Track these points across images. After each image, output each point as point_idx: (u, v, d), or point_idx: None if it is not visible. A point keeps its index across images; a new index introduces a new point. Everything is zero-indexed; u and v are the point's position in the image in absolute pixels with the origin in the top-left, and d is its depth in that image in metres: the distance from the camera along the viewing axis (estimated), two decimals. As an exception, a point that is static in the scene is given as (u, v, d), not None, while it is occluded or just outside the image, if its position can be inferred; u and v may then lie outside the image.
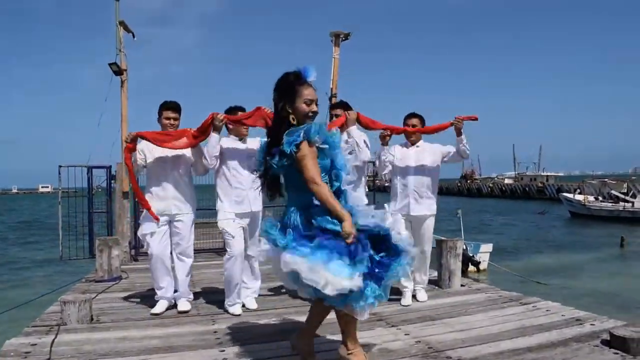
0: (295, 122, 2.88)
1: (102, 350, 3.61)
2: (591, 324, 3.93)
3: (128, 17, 8.30)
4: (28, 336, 3.97)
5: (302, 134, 2.78)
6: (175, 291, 4.78)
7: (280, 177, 3.02)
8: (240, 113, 4.48)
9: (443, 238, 5.85)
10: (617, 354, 3.26)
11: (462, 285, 5.53)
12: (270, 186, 3.05)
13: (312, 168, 2.76)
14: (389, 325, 4.12)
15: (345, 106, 4.82)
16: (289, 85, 2.88)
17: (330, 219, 2.75)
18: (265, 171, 3.00)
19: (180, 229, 4.65)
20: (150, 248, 4.61)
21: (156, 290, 4.75)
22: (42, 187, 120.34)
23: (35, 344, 3.74)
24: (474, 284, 5.88)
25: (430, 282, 5.67)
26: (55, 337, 3.90)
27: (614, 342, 3.34)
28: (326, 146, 2.86)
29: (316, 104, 2.91)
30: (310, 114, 2.89)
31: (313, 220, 2.80)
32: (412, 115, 4.85)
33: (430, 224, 4.86)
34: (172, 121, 4.60)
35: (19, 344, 3.76)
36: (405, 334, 3.85)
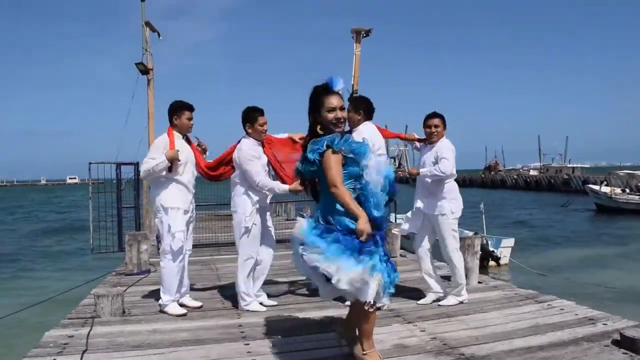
0: (322, 132, 3.09)
1: (134, 342, 3.85)
2: (603, 324, 4.01)
3: (148, 11, 8.53)
4: (65, 328, 4.24)
5: (324, 143, 2.99)
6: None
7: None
8: (260, 117, 4.66)
9: (469, 233, 5.91)
10: (626, 354, 3.35)
11: (479, 283, 5.64)
12: (310, 189, 3.31)
13: (333, 173, 2.96)
14: (406, 321, 4.27)
15: (352, 102, 4.83)
16: (315, 97, 3.10)
17: (348, 218, 2.94)
18: (299, 175, 3.25)
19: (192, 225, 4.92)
20: (180, 245, 4.62)
21: (172, 294, 4.66)
22: (69, 178, 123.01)
23: (72, 336, 4.01)
24: (491, 281, 5.99)
25: (448, 278, 5.78)
26: (91, 329, 4.16)
27: (624, 342, 3.43)
28: (352, 155, 3.03)
29: (342, 110, 3.08)
30: (334, 121, 3.06)
31: (331, 219, 3.00)
32: (433, 115, 4.81)
33: (442, 223, 4.71)
34: (192, 121, 4.81)
35: (57, 335, 4.04)
36: (421, 331, 4.00)
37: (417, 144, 5.08)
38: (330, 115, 3.06)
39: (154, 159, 4.54)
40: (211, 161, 4.98)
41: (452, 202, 4.72)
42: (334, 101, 3.07)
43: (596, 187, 33.56)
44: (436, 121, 4.77)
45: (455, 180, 4.87)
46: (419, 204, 4.86)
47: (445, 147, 4.70)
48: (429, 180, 4.74)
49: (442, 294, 4.86)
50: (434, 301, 4.84)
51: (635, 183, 32.41)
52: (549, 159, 73.81)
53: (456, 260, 4.77)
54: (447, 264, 4.97)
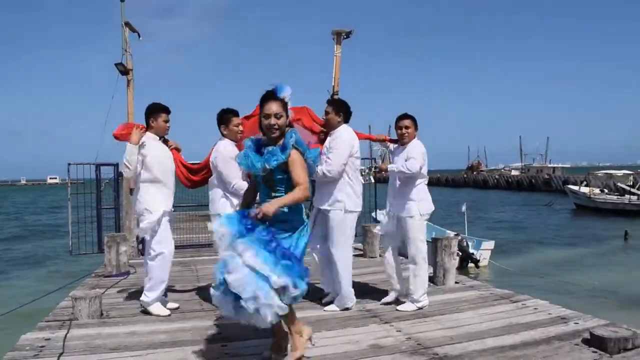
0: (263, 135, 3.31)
1: (112, 345, 3.85)
2: (575, 323, 4.11)
3: (131, 9, 8.50)
4: (42, 331, 4.22)
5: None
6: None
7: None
8: (234, 118, 4.71)
9: (450, 233, 5.96)
10: (595, 352, 3.44)
11: (456, 283, 5.72)
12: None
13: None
14: (382, 322, 4.33)
15: (334, 104, 4.87)
16: (260, 102, 3.26)
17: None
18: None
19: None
20: (168, 246, 4.68)
21: (159, 292, 4.68)
22: (50, 178, 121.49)
23: (49, 339, 3.99)
24: (468, 281, 6.08)
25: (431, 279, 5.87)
26: (68, 331, 4.15)
27: (593, 341, 3.53)
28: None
29: (277, 117, 3.17)
30: (268, 127, 3.19)
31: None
32: (404, 116, 4.87)
33: (410, 226, 4.69)
34: (168, 124, 4.82)
35: (34, 338, 4.01)
36: (397, 331, 4.06)
37: (390, 145, 5.15)
38: (265, 122, 3.19)
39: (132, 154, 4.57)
40: (196, 164, 4.99)
41: (420, 204, 4.71)
42: (272, 107, 3.18)
43: (575, 188, 34.14)
44: (407, 122, 4.83)
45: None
46: (388, 205, 4.93)
47: (414, 148, 4.75)
48: (398, 182, 4.79)
49: (401, 294, 4.88)
50: (393, 300, 4.87)
51: (614, 183, 32.97)
52: (530, 159, 74.89)
53: (420, 265, 4.72)
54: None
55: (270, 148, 3.19)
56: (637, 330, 3.58)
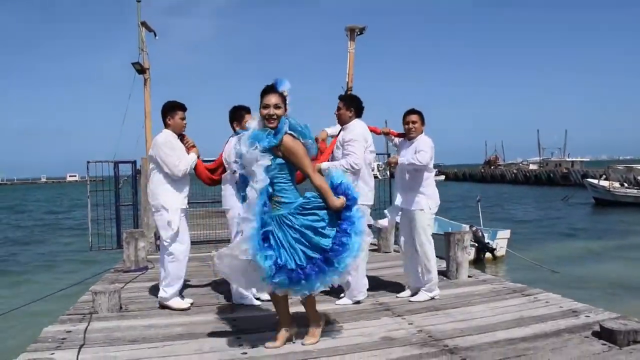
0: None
1: (130, 337, 3.97)
2: (586, 316, 4.13)
3: (144, 8, 8.62)
4: (63, 324, 4.36)
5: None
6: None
7: None
8: (247, 115, 4.77)
9: (465, 226, 5.97)
10: (605, 344, 3.47)
11: (469, 277, 5.76)
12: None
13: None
14: (395, 315, 4.40)
15: (345, 100, 4.94)
16: (260, 94, 3.52)
17: None
18: None
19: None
20: (184, 242, 4.76)
21: (177, 287, 4.79)
22: (70, 176, 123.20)
23: (70, 331, 4.13)
24: (481, 275, 6.11)
25: (438, 273, 5.88)
26: (88, 324, 4.29)
27: (603, 333, 3.55)
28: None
29: (277, 108, 3.45)
30: (266, 117, 3.46)
31: None
32: (412, 111, 4.96)
33: (419, 219, 4.80)
34: (185, 121, 4.88)
35: (56, 331, 4.16)
36: (409, 324, 4.12)
37: (396, 140, 5.20)
38: (264, 111, 3.46)
39: (174, 157, 4.66)
40: (211, 163, 5.08)
41: (429, 199, 4.84)
42: (271, 99, 3.45)
43: (595, 181, 33.63)
44: (414, 117, 4.92)
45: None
46: (397, 199, 4.99)
47: (423, 142, 4.84)
48: (407, 176, 4.85)
49: (415, 288, 4.98)
50: (411, 295, 4.96)
51: (634, 176, 32.42)
52: (548, 153, 73.79)
53: (429, 256, 4.84)
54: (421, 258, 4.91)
55: (265, 132, 3.45)
56: (647, 323, 3.60)
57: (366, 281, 4.92)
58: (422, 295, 4.86)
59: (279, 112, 3.46)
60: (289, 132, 3.48)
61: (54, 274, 13.99)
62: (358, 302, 4.76)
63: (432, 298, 4.84)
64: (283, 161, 3.46)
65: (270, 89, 3.50)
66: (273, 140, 3.42)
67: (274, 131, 3.45)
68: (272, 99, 3.45)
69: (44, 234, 24.75)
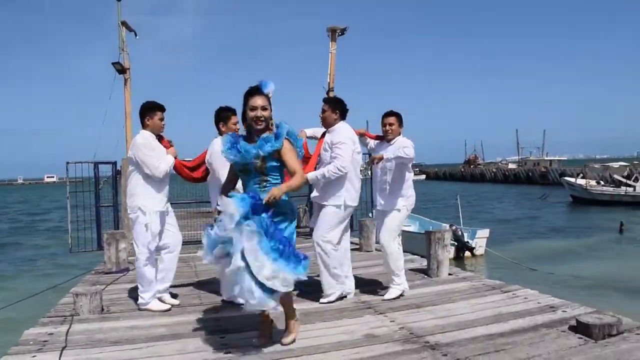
0: (246, 128, 3.58)
1: (112, 339, 3.96)
2: (563, 311, 4.23)
3: (129, 7, 8.59)
4: (44, 326, 4.33)
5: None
6: None
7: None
8: (232, 116, 4.77)
9: (445, 225, 6.08)
10: (581, 338, 3.56)
11: (449, 274, 5.84)
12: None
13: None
14: (377, 312, 4.45)
15: (330, 102, 4.97)
16: (244, 96, 3.50)
17: None
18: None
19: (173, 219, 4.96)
20: (155, 245, 4.71)
21: (153, 291, 4.77)
22: (47, 177, 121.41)
23: (52, 333, 4.10)
24: (461, 272, 6.20)
25: (420, 271, 6.02)
26: (70, 326, 4.26)
27: (580, 327, 3.65)
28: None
29: (264, 110, 3.45)
30: (254, 119, 3.46)
31: None
32: (389, 113, 5.03)
33: (394, 216, 4.89)
34: (164, 122, 4.84)
35: (37, 333, 4.12)
36: (391, 321, 4.18)
37: (371, 143, 5.26)
38: (252, 114, 3.45)
39: (155, 157, 4.61)
40: (189, 161, 5.07)
41: (407, 200, 4.95)
42: (257, 101, 3.45)
43: (572, 180, 34.23)
44: (391, 119, 4.99)
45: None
46: (378, 204, 5.06)
47: (404, 141, 4.93)
48: (388, 177, 4.90)
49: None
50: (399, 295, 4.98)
51: (610, 175, 33.05)
52: (527, 153, 74.90)
53: (393, 249, 4.89)
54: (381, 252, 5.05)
55: (264, 135, 3.45)
56: (621, 317, 3.71)
57: (351, 280, 4.99)
58: (394, 292, 4.92)
59: (266, 113, 3.48)
60: (287, 137, 3.50)
61: (32, 276, 13.80)
62: (341, 298, 4.81)
63: (402, 292, 4.93)
64: (278, 163, 3.48)
65: (256, 91, 3.49)
66: (275, 144, 3.43)
67: (274, 135, 3.47)
68: (259, 100, 3.46)
69: (22, 236, 24.34)
